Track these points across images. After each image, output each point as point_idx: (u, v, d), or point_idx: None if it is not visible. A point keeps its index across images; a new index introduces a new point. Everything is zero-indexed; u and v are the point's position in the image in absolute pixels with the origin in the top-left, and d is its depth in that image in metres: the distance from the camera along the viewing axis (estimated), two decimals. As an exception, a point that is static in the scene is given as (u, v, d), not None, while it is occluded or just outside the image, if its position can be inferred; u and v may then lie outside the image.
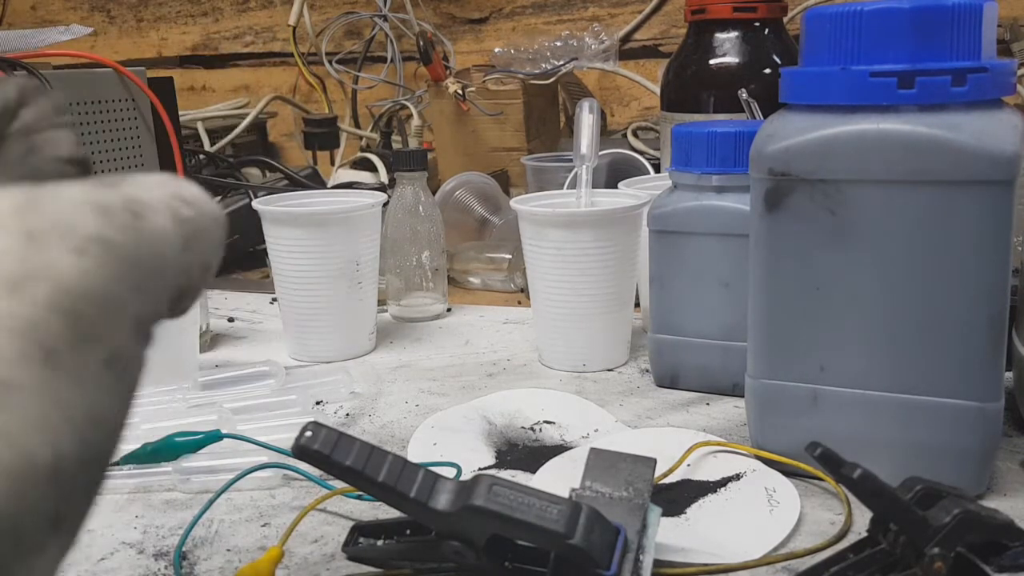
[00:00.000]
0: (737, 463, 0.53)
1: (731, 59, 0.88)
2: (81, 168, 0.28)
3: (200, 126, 1.45)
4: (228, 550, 0.47)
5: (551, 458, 0.55)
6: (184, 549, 0.47)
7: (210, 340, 0.82)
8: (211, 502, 0.51)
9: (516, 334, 0.81)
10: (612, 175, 0.96)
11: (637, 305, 0.74)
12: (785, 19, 0.90)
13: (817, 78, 0.47)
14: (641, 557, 0.40)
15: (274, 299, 0.91)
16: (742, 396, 0.55)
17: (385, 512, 0.47)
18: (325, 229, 0.73)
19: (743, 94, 0.78)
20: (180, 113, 1.12)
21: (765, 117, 0.53)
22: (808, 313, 0.49)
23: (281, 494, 0.53)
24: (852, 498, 0.47)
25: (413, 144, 1.40)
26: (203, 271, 0.24)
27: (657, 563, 0.42)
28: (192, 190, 0.24)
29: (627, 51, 1.39)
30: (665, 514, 0.47)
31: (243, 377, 0.66)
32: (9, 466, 0.17)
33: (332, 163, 1.43)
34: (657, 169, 0.98)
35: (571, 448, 0.57)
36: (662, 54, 1.41)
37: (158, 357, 0.24)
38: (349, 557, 0.45)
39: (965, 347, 0.47)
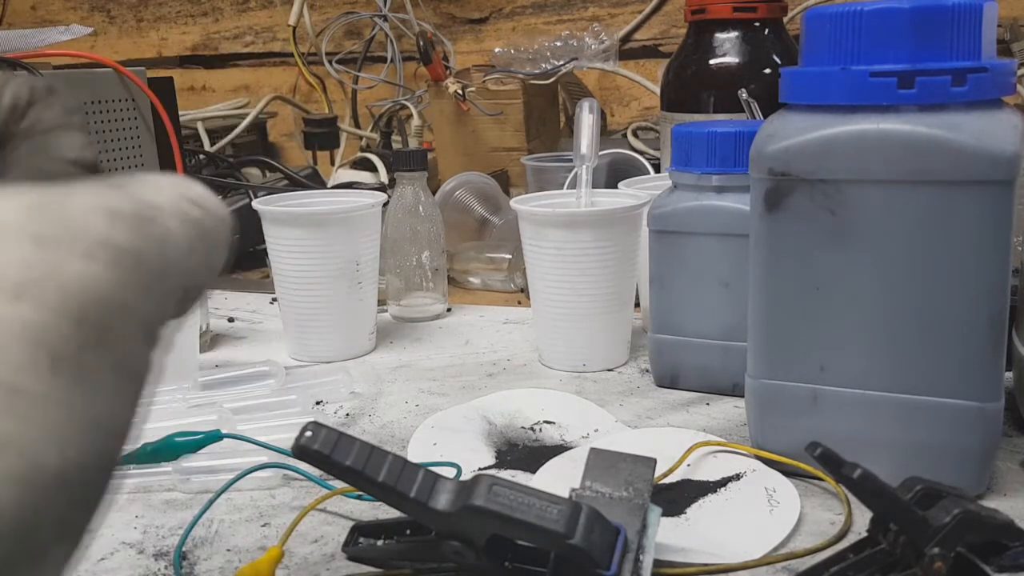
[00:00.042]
0: (737, 463, 0.53)
1: (731, 59, 0.88)
2: (90, 170, 0.27)
3: (200, 126, 1.45)
4: (228, 550, 0.47)
5: (551, 458, 0.55)
6: (184, 549, 0.47)
7: (210, 340, 0.82)
8: (211, 502, 0.51)
9: (516, 334, 0.81)
10: (612, 175, 0.96)
11: (637, 305, 0.74)
12: (785, 19, 0.90)
13: (817, 78, 0.47)
14: (641, 557, 0.40)
15: (274, 299, 0.91)
16: (742, 396, 0.55)
17: (385, 512, 0.47)
18: (325, 229, 0.73)
19: (743, 94, 0.78)
20: (180, 113, 1.12)
21: (765, 117, 0.53)
22: (808, 313, 0.49)
23: (281, 494, 0.53)
24: (852, 498, 0.47)
25: (413, 144, 1.40)
26: (209, 272, 0.24)
27: (657, 563, 0.42)
28: (199, 190, 0.24)
29: (627, 51, 1.39)
30: (665, 514, 0.47)
31: (243, 377, 0.66)
32: (17, 472, 0.17)
33: (332, 163, 1.42)
34: (657, 169, 0.98)
35: (571, 448, 0.57)
36: (662, 54, 1.41)
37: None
38: (349, 557, 0.45)
39: (965, 347, 0.47)
